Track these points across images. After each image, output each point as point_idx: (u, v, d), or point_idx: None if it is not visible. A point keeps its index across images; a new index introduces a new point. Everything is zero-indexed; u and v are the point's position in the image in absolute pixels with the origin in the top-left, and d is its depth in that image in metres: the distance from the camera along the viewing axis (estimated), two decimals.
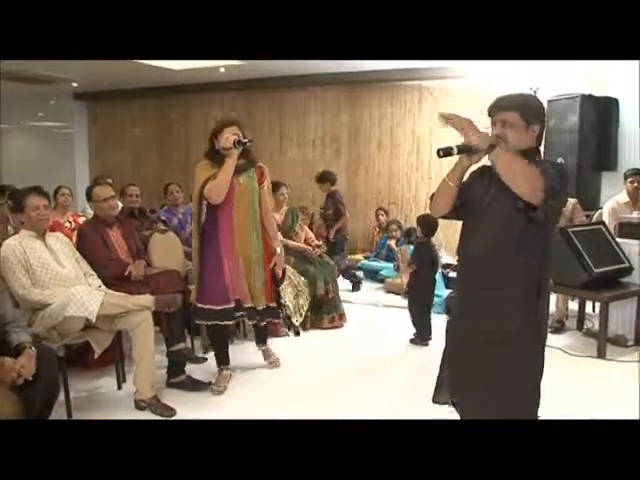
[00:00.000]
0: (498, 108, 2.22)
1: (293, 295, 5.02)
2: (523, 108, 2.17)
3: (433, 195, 2.40)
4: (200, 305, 3.69)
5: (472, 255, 2.25)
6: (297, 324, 4.99)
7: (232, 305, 3.65)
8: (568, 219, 5.31)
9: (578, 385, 3.80)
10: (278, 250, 3.93)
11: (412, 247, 5.31)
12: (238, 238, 3.68)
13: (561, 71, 6.43)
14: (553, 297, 4.98)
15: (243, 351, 4.56)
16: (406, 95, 7.84)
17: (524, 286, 2.14)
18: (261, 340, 4.28)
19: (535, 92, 6.47)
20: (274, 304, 3.96)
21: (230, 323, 3.77)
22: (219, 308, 3.64)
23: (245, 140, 3.52)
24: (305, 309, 5.07)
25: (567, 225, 4.79)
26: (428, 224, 4.86)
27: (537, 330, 2.23)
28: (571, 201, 5.36)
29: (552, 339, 4.73)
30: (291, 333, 5.08)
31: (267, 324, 4.09)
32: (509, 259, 2.15)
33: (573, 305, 5.31)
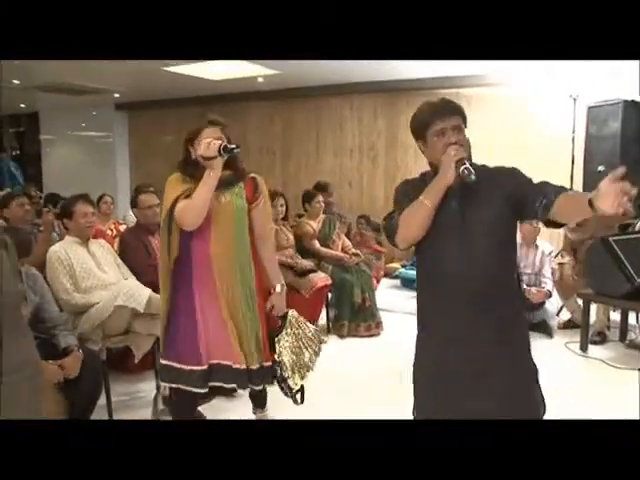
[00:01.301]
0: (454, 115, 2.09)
1: (293, 348, 3.19)
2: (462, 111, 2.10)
3: (388, 221, 2.20)
4: (164, 361, 2.78)
5: (457, 275, 1.98)
6: (295, 388, 3.02)
7: (205, 367, 2.71)
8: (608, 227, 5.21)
9: (621, 399, 3.72)
10: (278, 288, 2.92)
11: None
12: (219, 275, 2.71)
13: (601, 77, 6.34)
14: (593, 307, 4.92)
15: None
16: None
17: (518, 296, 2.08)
18: (259, 404, 3.23)
19: (575, 99, 6.43)
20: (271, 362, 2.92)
21: (201, 391, 2.76)
22: (187, 369, 2.70)
23: (233, 146, 2.64)
24: (311, 367, 3.15)
25: (608, 234, 4.71)
26: None
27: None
28: None
29: (593, 351, 4.67)
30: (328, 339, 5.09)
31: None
32: (497, 274, 1.99)
33: (615, 316, 5.22)
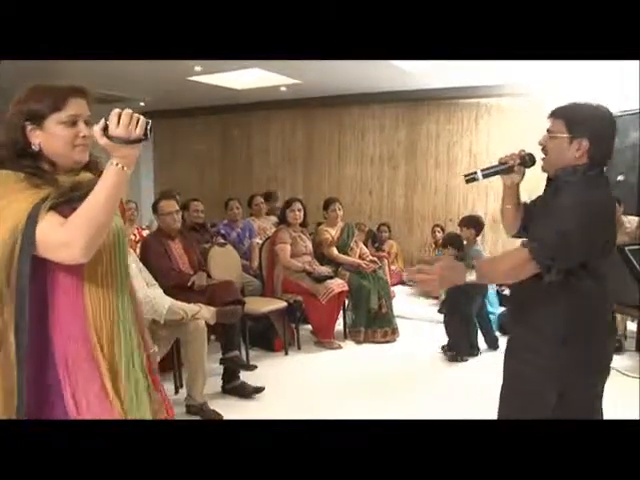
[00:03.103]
0: (550, 116, 2.03)
1: None
2: (570, 116, 1.96)
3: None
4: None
5: None
6: None
7: None
8: (632, 237, 5.21)
9: (637, 407, 3.72)
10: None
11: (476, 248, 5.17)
12: (93, 329, 1.61)
13: (623, 88, 6.33)
14: None
15: (296, 361, 4.69)
16: (463, 113, 7.86)
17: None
18: None
19: None
20: None
21: None
22: None
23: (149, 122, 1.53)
24: None
25: (624, 243, 4.72)
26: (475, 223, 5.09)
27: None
28: (635, 219, 5.29)
29: None
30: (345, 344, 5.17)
31: None
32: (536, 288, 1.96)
33: (632, 325, 5.21)
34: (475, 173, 2.14)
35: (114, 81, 7.22)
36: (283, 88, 7.81)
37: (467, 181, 2.16)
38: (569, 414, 1.92)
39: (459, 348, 4.81)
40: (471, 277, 1.87)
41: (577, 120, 1.95)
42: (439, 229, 7.81)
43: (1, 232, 1.44)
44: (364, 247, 5.92)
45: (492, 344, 5.00)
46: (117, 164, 1.49)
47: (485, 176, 2.15)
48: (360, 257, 5.64)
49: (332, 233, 5.62)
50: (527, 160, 2.15)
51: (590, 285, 1.96)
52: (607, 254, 2.04)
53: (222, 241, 5.28)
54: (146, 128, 1.53)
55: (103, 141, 1.50)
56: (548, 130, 2.02)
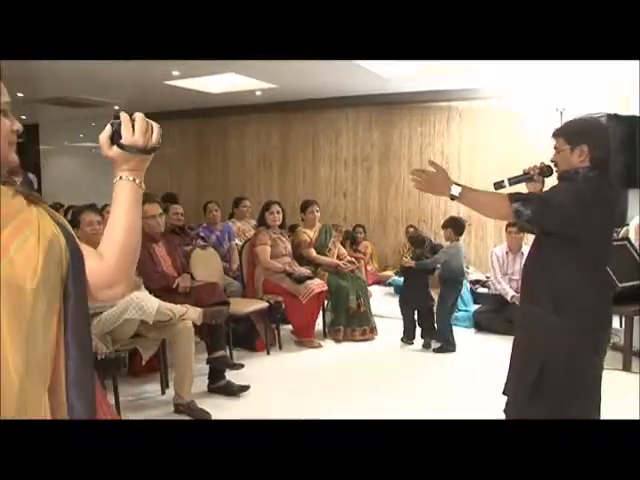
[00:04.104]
0: (552, 136, 2.43)
1: None
2: (567, 132, 2.39)
3: None
4: None
5: None
6: None
7: None
8: None
9: (604, 398, 3.88)
10: None
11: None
12: None
13: (587, 91, 6.57)
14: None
15: (278, 360, 4.80)
16: (435, 116, 8.04)
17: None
18: None
19: (561, 113, 6.65)
20: None
21: None
22: None
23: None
24: None
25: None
26: (458, 225, 5.24)
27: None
28: None
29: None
30: (324, 343, 5.28)
31: None
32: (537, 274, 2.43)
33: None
34: (503, 181, 2.51)
35: (90, 85, 7.26)
36: (258, 92, 7.90)
37: (496, 188, 2.50)
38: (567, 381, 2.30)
39: (405, 333, 5.37)
40: (454, 192, 2.30)
41: (574, 132, 2.36)
42: (413, 230, 7.97)
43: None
44: (342, 248, 6.05)
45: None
46: (134, 179, 1.30)
47: (511, 184, 2.52)
48: (338, 258, 5.76)
49: (310, 234, 5.73)
50: (545, 171, 2.54)
51: (582, 271, 2.30)
52: (602, 244, 2.37)
53: (203, 243, 5.36)
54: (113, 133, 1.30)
55: (113, 151, 1.27)
56: (554, 147, 2.41)
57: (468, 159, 7.63)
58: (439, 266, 5.22)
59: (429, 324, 5.29)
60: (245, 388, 4.02)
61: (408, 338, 5.35)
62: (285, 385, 4.26)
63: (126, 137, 1.26)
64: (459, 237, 5.26)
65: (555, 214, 2.28)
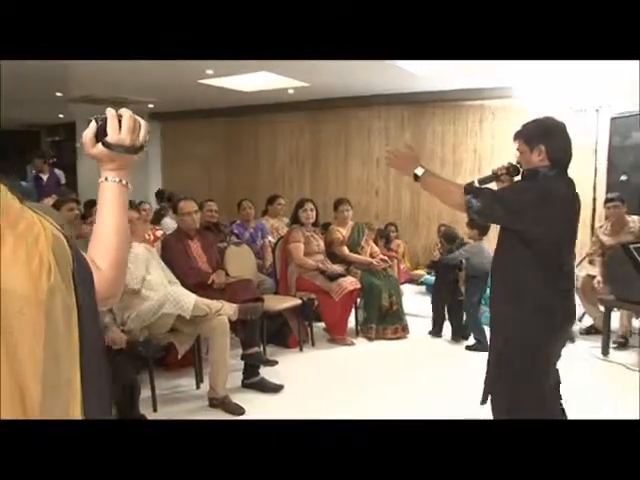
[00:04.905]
0: (513, 139, 2.58)
1: None
2: (525, 134, 2.51)
3: None
4: None
5: None
6: None
7: None
8: (637, 236, 5.33)
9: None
10: None
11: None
12: None
13: (625, 88, 6.47)
14: (617, 314, 5.05)
15: (310, 357, 4.83)
16: (468, 114, 7.99)
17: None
18: None
19: (597, 110, 6.57)
20: None
21: None
22: None
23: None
24: None
25: (628, 241, 4.85)
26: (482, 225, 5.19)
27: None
28: (635, 218, 5.42)
29: (615, 355, 4.80)
30: (357, 341, 5.29)
31: None
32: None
33: (637, 322, 5.34)
34: (473, 182, 2.61)
35: (127, 85, 7.38)
36: (291, 90, 7.93)
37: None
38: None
39: (432, 326, 5.57)
40: (418, 172, 2.51)
41: (531, 133, 2.50)
42: (445, 227, 7.92)
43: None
44: (375, 246, 6.04)
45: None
46: (120, 180, 1.21)
47: (481, 184, 2.63)
48: (371, 256, 5.76)
49: (343, 232, 5.74)
50: (512, 170, 2.66)
51: (536, 267, 2.43)
52: (556, 242, 2.47)
53: (237, 240, 5.41)
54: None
55: (97, 150, 1.18)
56: (517, 149, 2.56)
57: (501, 158, 7.51)
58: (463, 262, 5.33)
59: (457, 319, 5.42)
60: (280, 387, 4.05)
61: (435, 333, 5.52)
62: (317, 382, 4.29)
63: (112, 135, 1.16)
64: (482, 237, 5.25)
65: (504, 209, 2.41)
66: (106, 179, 1.20)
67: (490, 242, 6.25)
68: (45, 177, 8.42)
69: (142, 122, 1.21)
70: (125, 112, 1.18)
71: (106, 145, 1.16)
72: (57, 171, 8.77)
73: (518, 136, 2.54)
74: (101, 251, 1.16)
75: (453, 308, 5.46)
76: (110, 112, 1.17)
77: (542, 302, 2.45)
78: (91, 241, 1.18)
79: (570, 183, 2.52)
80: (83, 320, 1.03)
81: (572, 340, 5.21)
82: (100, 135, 1.17)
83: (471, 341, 5.16)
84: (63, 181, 8.82)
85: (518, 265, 2.47)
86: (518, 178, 2.67)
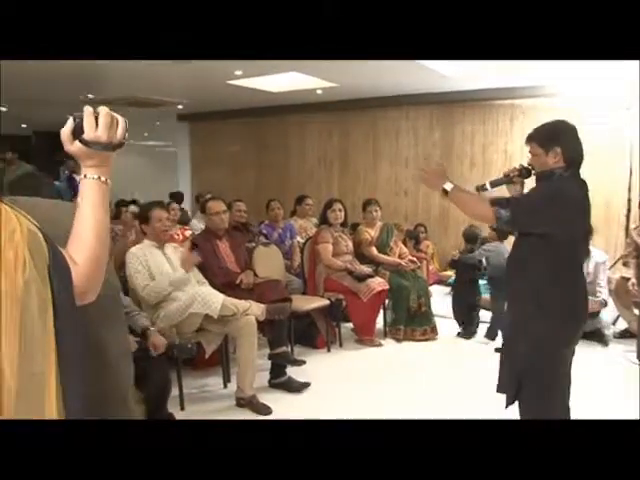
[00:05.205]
0: (526, 142, 2.62)
1: None
2: (539, 137, 2.55)
3: None
4: None
5: None
6: None
7: None
8: None
9: None
10: None
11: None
12: None
13: None
14: None
15: (338, 358, 4.80)
16: (498, 114, 7.89)
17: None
18: None
19: (628, 109, 6.44)
20: None
21: None
22: None
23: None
24: None
25: None
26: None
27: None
28: None
29: None
30: (385, 342, 5.26)
31: None
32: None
33: None
34: (485, 185, 2.70)
35: (156, 86, 7.44)
36: (319, 91, 7.92)
37: (478, 191, 2.71)
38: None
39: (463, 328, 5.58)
40: (447, 187, 2.56)
41: (546, 136, 2.54)
42: (468, 227, 7.82)
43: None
44: (403, 247, 6.00)
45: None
46: (99, 177, 1.23)
47: (493, 187, 2.70)
48: (399, 257, 5.73)
49: (371, 233, 5.72)
50: (524, 173, 2.68)
51: (556, 269, 2.46)
52: (574, 242, 2.49)
53: (266, 241, 5.41)
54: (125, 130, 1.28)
55: (74, 147, 1.21)
56: (530, 152, 2.59)
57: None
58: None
59: (470, 318, 5.50)
60: (306, 385, 4.04)
61: (465, 334, 5.52)
62: (345, 382, 4.27)
63: (88, 132, 1.19)
64: (503, 240, 5.20)
65: (526, 214, 2.48)
66: (85, 176, 1.22)
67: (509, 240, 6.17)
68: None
69: (120, 119, 1.24)
70: (102, 109, 1.21)
71: (83, 142, 1.19)
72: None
73: (531, 139, 2.58)
74: (79, 246, 1.17)
75: (468, 307, 5.53)
76: (87, 110, 1.20)
77: (563, 302, 2.46)
78: (70, 237, 1.19)
79: (583, 183, 2.53)
80: (59, 313, 1.06)
81: (606, 344, 5.12)
82: (77, 132, 1.19)
83: (500, 343, 5.08)
84: None
85: (538, 265, 2.47)
86: (528, 180, 2.71)
